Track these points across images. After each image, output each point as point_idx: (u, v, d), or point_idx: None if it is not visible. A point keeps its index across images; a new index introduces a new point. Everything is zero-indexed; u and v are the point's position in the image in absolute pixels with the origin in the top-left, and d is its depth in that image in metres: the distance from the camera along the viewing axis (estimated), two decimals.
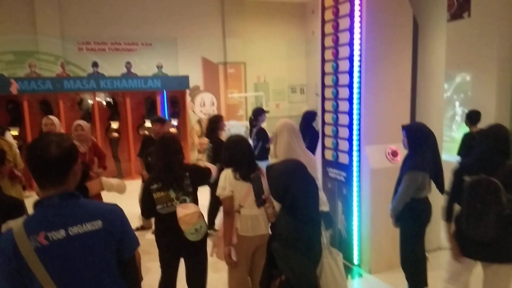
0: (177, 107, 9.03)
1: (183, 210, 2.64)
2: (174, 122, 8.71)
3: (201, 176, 2.94)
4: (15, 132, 7.35)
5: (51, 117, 4.85)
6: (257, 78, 10.29)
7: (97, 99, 8.31)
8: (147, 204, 2.75)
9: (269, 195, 2.04)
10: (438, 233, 4.18)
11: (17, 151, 4.35)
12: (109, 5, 8.79)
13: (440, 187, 3.15)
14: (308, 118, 5.92)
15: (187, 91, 8.99)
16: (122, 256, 1.51)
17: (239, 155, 2.74)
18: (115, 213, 1.52)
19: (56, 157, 1.40)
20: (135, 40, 9.10)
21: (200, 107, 9.39)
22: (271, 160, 5.18)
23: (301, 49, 10.60)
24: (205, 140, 9.29)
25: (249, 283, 2.88)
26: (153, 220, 3.06)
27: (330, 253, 1.94)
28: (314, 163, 3.11)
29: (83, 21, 8.66)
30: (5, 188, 3.50)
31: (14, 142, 5.02)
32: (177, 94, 8.96)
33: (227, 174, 2.72)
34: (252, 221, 2.74)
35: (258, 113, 5.98)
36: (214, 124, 5.26)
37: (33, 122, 7.56)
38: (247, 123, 7.81)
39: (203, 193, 3.44)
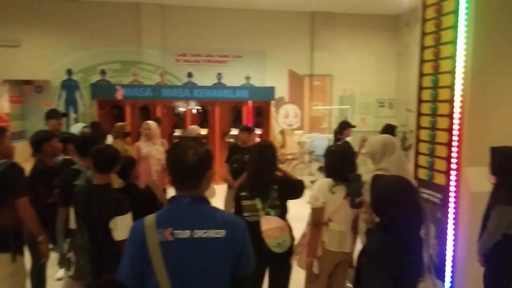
0: (262, 117, 9.25)
1: (266, 224, 2.62)
2: (258, 132, 8.92)
3: (291, 190, 2.85)
4: None
5: (149, 122, 5.27)
6: (343, 91, 10.12)
7: (189, 107, 8.87)
8: (237, 210, 2.78)
9: (366, 200, 1.96)
10: None
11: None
12: (205, 20, 9.40)
13: None
14: (389, 131, 5.58)
15: (272, 102, 9.17)
16: (238, 272, 1.50)
17: (341, 164, 2.69)
18: (240, 226, 1.52)
19: (194, 163, 1.45)
20: (226, 53, 9.58)
21: (284, 118, 9.49)
22: None
23: (392, 63, 10.19)
24: (287, 151, 9.38)
25: None
26: None
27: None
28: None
29: (182, 35, 9.36)
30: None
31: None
32: (263, 104, 9.18)
33: (322, 185, 2.69)
34: (340, 236, 2.68)
35: (344, 127, 5.84)
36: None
37: (133, 126, 8.30)
38: (330, 136, 7.68)
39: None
